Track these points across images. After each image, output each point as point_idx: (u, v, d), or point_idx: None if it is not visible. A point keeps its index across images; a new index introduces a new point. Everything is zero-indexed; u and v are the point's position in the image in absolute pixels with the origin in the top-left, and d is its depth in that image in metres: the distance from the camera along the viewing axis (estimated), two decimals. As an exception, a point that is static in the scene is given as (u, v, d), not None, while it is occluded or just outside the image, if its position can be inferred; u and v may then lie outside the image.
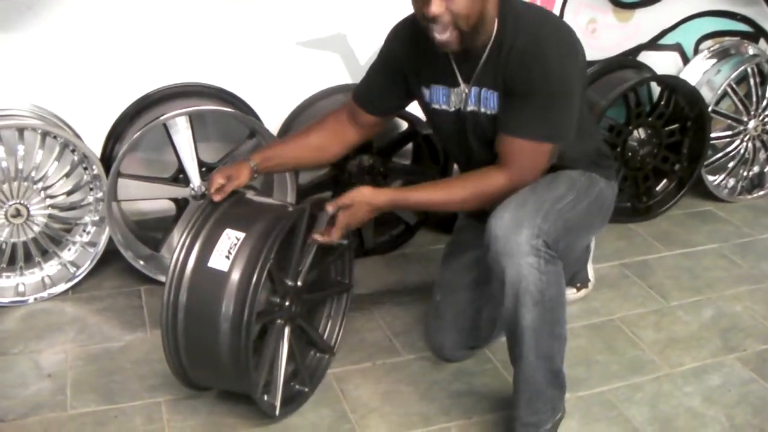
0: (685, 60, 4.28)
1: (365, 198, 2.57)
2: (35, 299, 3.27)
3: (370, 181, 3.51)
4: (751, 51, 4.26)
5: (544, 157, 2.49)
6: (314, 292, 2.80)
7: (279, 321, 2.61)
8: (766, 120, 4.28)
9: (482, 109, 2.55)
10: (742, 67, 4.09)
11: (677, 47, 4.27)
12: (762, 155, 4.38)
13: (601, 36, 3.98)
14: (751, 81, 4.17)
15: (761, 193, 4.41)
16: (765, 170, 4.43)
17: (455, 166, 3.40)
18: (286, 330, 2.64)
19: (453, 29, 2.35)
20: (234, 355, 2.40)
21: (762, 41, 4.44)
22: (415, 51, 2.63)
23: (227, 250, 2.42)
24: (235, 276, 2.39)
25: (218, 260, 2.42)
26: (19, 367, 2.90)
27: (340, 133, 2.82)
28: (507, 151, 2.48)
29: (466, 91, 2.56)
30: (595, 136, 2.81)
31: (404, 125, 3.57)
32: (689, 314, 3.30)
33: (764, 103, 4.25)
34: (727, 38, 4.33)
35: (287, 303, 2.61)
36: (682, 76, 4.12)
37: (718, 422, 2.72)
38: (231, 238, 2.45)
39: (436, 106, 2.67)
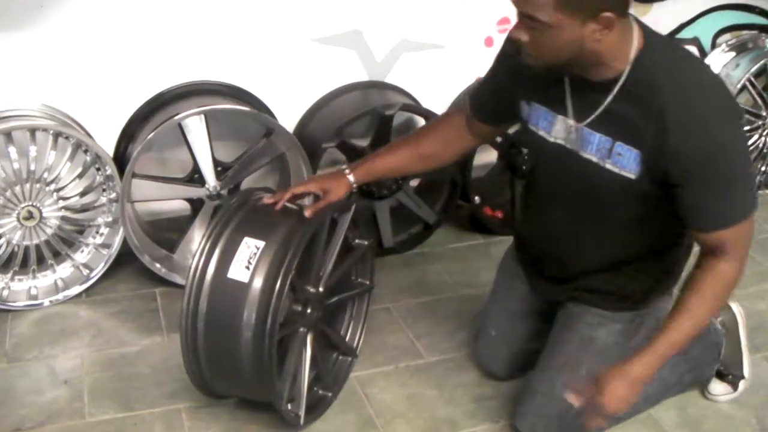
0: (703, 54, 4.21)
1: (627, 380, 2.26)
2: (49, 302, 3.22)
3: (388, 180, 3.48)
4: (769, 44, 4.20)
5: (752, 226, 2.22)
6: (335, 294, 2.73)
7: (302, 329, 2.56)
8: (784, 114, 4.22)
9: (608, 165, 2.20)
10: (762, 61, 4.02)
11: (695, 41, 4.20)
12: (781, 149, 4.31)
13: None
14: (770, 74, 4.10)
15: (780, 188, 4.34)
16: (784, 164, 4.36)
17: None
18: (309, 337, 2.58)
19: (537, 59, 2.08)
20: (257, 366, 2.35)
21: (780, 34, 4.37)
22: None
23: (247, 260, 2.36)
24: (256, 287, 2.33)
25: (238, 271, 2.36)
26: (35, 373, 2.86)
27: (455, 139, 2.63)
28: (723, 242, 2.18)
29: (577, 129, 2.23)
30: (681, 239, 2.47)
31: (422, 122, 3.51)
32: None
33: (783, 96, 4.18)
34: (745, 31, 4.26)
35: (309, 310, 2.55)
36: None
37: (748, 425, 2.68)
38: (250, 247, 2.38)
39: (533, 128, 2.36)
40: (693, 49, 4.20)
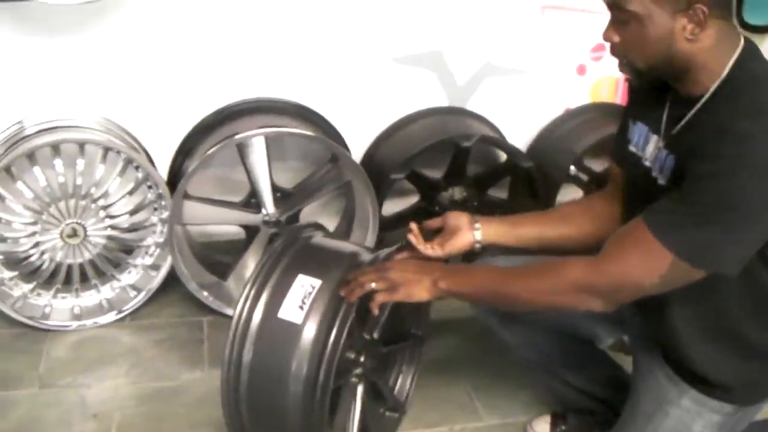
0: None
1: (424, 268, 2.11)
2: (92, 324, 3.06)
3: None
4: None
5: (656, 266, 1.82)
6: (388, 344, 2.47)
7: (353, 379, 2.32)
8: None
9: (659, 178, 1.96)
10: None
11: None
12: None
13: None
14: None
15: None
16: None
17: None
18: (360, 388, 2.33)
19: (625, 63, 1.93)
20: (305, 422, 2.11)
21: None
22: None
23: (301, 299, 2.12)
24: (310, 329, 2.09)
25: (290, 310, 2.12)
26: (65, 402, 2.71)
27: (605, 215, 2.26)
28: (618, 234, 1.92)
29: (660, 148, 1.98)
30: None
31: (502, 156, 3.25)
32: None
33: None
34: None
35: (363, 358, 2.31)
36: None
37: None
38: (305, 286, 2.14)
39: (633, 149, 2.09)
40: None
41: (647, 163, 2.02)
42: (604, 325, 2.35)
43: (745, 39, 1.90)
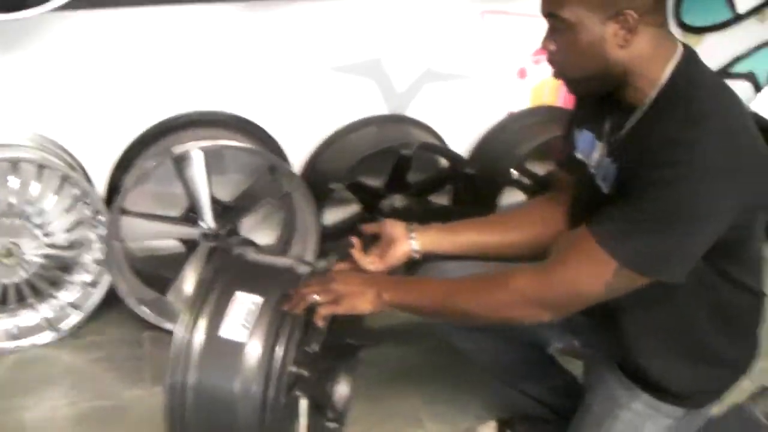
0: (759, 90, 3.91)
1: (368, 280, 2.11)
2: (31, 344, 3.00)
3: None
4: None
5: (602, 275, 1.81)
6: (324, 355, 2.44)
7: (297, 393, 2.26)
8: None
9: (602, 186, 1.97)
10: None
11: (750, 76, 3.89)
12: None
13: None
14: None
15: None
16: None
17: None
18: (304, 403, 2.27)
19: (560, 73, 1.93)
20: None
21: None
22: None
23: (243, 317, 2.07)
24: (256, 347, 2.04)
25: (233, 329, 2.07)
26: (3, 427, 2.65)
27: (551, 218, 2.24)
28: (562, 241, 1.94)
29: (603, 155, 1.99)
30: (745, 315, 2.09)
31: (444, 162, 3.22)
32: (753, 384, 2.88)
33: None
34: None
35: (306, 373, 2.25)
36: (752, 106, 3.72)
37: None
38: (246, 303, 2.09)
39: (579, 155, 2.10)
40: (747, 86, 3.90)
41: (592, 170, 2.02)
42: (554, 331, 2.32)
43: (684, 45, 1.90)
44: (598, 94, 1.96)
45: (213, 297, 2.13)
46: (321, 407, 2.50)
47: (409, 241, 2.23)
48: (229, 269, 2.22)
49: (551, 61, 1.93)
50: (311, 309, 2.05)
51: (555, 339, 2.36)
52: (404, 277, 2.29)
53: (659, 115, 1.84)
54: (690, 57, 1.88)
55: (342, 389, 2.63)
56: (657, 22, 1.84)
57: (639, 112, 1.88)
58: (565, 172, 2.23)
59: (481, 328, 2.29)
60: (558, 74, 1.94)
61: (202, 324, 2.09)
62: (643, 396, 2.08)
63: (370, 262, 2.21)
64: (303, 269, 2.24)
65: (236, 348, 2.05)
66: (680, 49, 1.88)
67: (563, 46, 1.87)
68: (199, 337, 2.08)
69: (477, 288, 1.98)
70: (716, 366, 2.07)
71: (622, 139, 1.92)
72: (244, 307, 2.08)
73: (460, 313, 2.02)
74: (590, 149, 2.05)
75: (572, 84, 1.95)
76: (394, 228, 2.26)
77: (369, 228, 2.32)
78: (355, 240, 2.23)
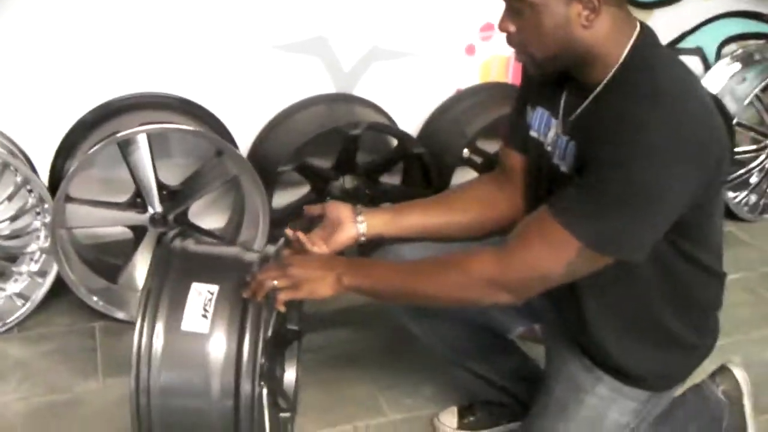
0: (707, 65, 3.93)
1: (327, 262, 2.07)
2: (-22, 337, 2.93)
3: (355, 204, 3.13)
4: (778, 55, 3.89)
5: (564, 255, 1.81)
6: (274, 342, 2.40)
7: (261, 384, 2.16)
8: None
9: (561, 165, 1.95)
10: (771, 74, 3.72)
11: (698, 51, 3.90)
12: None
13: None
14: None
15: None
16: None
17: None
18: (264, 392, 2.22)
19: (524, 54, 1.89)
20: None
21: (791, 44, 4.07)
22: None
23: (202, 307, 2.02)
24: (219, 338, 1.99)
25: (194, 321, 2.01)
26: None
27: (490, 195, 2.22)
28: (523, 224, 1.90)
29: (559, 136, 1.97)
30: (705, 289, 2.08)
31: (393, 142, 3.19)
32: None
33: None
34: (752, 41, 3.96)
35: (263, 360, 2.21)
36: (703, 82, 3.73)
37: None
38: (203, 293, 2.03)
39: (534, 134, 2.07)
40: (695, 60, 3.91)
41: (549, 149, 2.00)
42: (513, 315, 2.31)
43: (641, 23, 1.88)
44: (556, 72, 1.93)
45: (167, 290, 2.05)
46: (274, 396, 2.47)
47: (355, 225, 2.18)
48: (176, 262, 2.15)
49: (511, 42, 1.88)
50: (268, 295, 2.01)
51: (515, 323, 2.36)
52: (363, 259, 2.26)
53: (615, 93, 1.83)
54: (648, 35, 1.87)
55: (289, 376, 2.59)
56: (618, 1, 1.83)
57: (596, 89, 1.86)
58: (518, 150, 2.19)
59: (438, 313, 2.27)
60: (520, 55, 1.91)
61: (161, 319, 2.02)
62: (606, 378, 2.07)
63: (315, 245, 2.16)
64: (250, 257, 2.20)
65: (200, 339, 1.99)
66: (638, 28, 1.86)
67: (526, 27, 1.83)
68: (159, 334, 2.01)
69: (437, 270, 1.95)
70: (677, 350, 2.07)
71: (579, 117, 1.90)
72: (202, 298, 2.02)
73: (421, 296, 1.99)
74: (546, 128, 2.03)
75: (533, 64, 1.90)
76: (341, 210, 2.20)
77: (312, 209, 2.26)
78: (294, 234, 2.18)
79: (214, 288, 2.04)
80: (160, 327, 2.01)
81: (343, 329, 2.98)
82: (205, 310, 2.01)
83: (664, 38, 3.65)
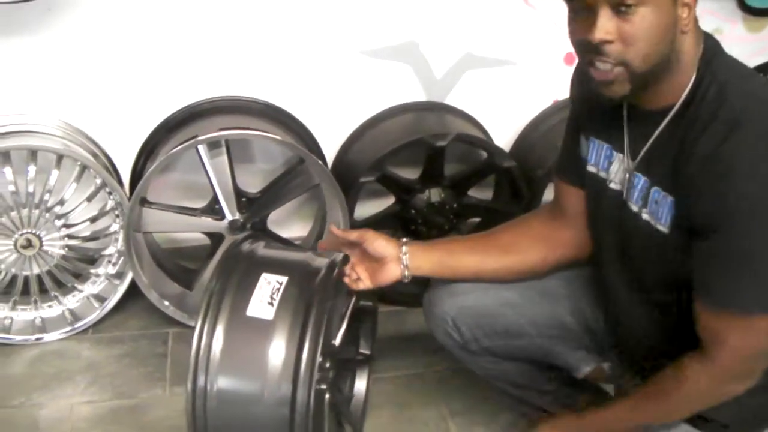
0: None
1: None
2: (53, 336, 2.92)
3: (440, 219, 3.02)
4: None
5: (762, 332, 1.70)
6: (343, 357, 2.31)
7: (322, 386, 2.06)
8: None
9: (648, 218, 1.79)
10: None
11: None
12: None
13: (727, 49, 3.36)
14: None
15: None
16: None
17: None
18: (327, 397, 2.10)
19: (621, 66, 1.65)
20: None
21: None
22: (587, 90, 1.90)
23: (269, 295, 1.99)
24: (282, 325, 1.95)
25: (259, 307, 1.98)
26: (15, 425, 2.56)
27: (540, 234, 2.13)
28: (704, 328, 1.74)
29: (630, 170, 1.82)
30: None
31: (483, 155, 3.05)
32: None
33: None
34: None
35: (328, 365, 2.08)
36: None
37: None
38: (272, 283, 2.01)
39: (592, 169, 1.94)
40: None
41: (615, 187, 1.86)
42: (581, 354, 2.19)
43: (706, 34, 1.71)
44: (634, 93, 1.71)
45: (235, 279, 2.04)
46: (337, 409, 2.37)
47: (400, 266, 2.10)
48: (247, 260, 2.12)
49: (608, 52, 1.64)
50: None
51: (582, 363, 2.22)
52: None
53: (689, 121, 1.66)
54: (714, 48, 1.70)
55: (358, 397, 2.53)
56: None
57: (665, 117, 1.70)
58: (575, 185, 2.05)
59: (499, 354, 2.20)
60: (618, 65, 1.66)
61: (226, 306, 2.00)
62: (684, 427, 1.92)
63: (360, 282, 2.11)
64: (319, 261, 2.12)
65: (262, 325, 1.96)
66: (703, 37, 1.70)
67: (634, 31, 1.61)
68: (223, 317, 1.99)
69: (657, 402, 1.85)
70: (761, 394, 1.87)
71: (652, 151, 1.75)
72: (270, 287, 2.00)
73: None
74: (607, 162, 1.89)
75: (629, 78, 1.67)
76: (386, 248, 2.12)
77: (348, 234, 2.19)
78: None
79: (283, 279, 2.01)
80: (220, 329, 1.97)
81: (416, 352, 2.86)
82: (272, 298, 1.98)
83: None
